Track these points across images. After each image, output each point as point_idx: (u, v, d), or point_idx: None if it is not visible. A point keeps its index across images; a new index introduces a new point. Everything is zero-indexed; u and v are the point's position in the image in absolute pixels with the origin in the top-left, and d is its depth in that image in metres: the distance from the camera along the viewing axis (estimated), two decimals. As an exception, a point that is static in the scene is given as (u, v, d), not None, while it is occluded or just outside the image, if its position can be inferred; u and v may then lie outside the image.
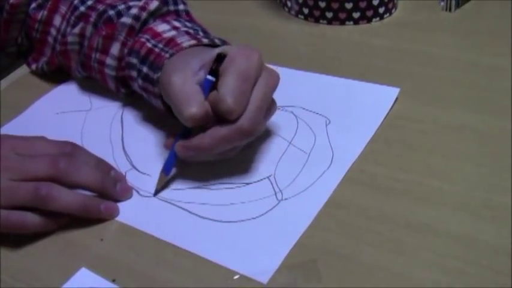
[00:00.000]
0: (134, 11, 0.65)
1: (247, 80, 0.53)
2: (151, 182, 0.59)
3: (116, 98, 0.71)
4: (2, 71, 0.79)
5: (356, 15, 0.83)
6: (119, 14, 0.66)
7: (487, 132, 0.61)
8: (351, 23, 0.84)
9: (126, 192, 0.57)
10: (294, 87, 0.70)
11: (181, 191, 0.58)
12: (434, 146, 0.60)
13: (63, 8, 0.71)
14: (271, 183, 0.57)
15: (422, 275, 0.48)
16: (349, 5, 0.82)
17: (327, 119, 0.64)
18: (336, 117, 0.65)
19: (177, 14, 0.68)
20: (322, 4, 0.83)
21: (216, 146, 0.54)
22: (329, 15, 0.83)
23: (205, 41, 0.61)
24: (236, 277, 0.49)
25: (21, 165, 0.53)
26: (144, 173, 0.60)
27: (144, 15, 0.65)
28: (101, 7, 0.68)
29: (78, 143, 0.61)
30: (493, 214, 0.52)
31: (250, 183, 0.58)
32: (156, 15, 0.66)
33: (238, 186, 0.57)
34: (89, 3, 0.69)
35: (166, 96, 0.57)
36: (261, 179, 0.58)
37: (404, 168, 0.58)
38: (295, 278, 0.48)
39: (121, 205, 0.56)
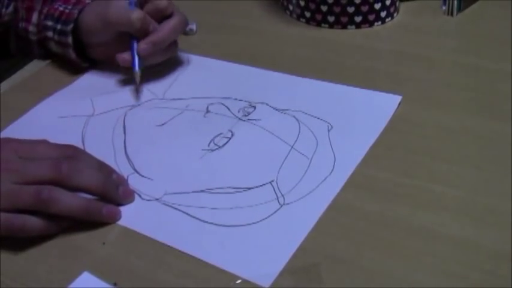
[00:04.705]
0: None
1: None
2: (153, 186, 0.59)
3: (118, 102, 0.71)
4: (2, 74, 0.79)
5: (358, 19, 0.83)
6: None
7: (489, 137, 0.61)
8: (353, 27, 0.84)
9: (128, 195, 0.57)
10: (296, 93, 0.70)
11: (183, 195, 0.58)
12: (435, 150, 0.60)
13: None
14: (273, 188, 0.57)
15: (423, 280, 0.48)
16: (351, 9, 0.82)
17: (329, 125, 0.65)
18: (338, 123, 0.65)
19: None
20: (324, 8, 0.83)
21: (168, 35, 0.71)
22: (331, 19, 0.84)
23: None
24: (238, 281, 0.49)
25: (23, 169, 0.53)
26: (146, 177, 0.60)
27: None
28: None
29: (80, 146, 0.61)
30: (495, 219, 0.52)
31: (252, 187, 0.58)
32: None
33: (241, 191, 0.57)
34: None
35: (105, 27, 0.71)
36: (263, 184, 0.58)
37: (406, 173, 0.58)
38: (297, 282, 0.48)
39: (123, 209, 0.56)
